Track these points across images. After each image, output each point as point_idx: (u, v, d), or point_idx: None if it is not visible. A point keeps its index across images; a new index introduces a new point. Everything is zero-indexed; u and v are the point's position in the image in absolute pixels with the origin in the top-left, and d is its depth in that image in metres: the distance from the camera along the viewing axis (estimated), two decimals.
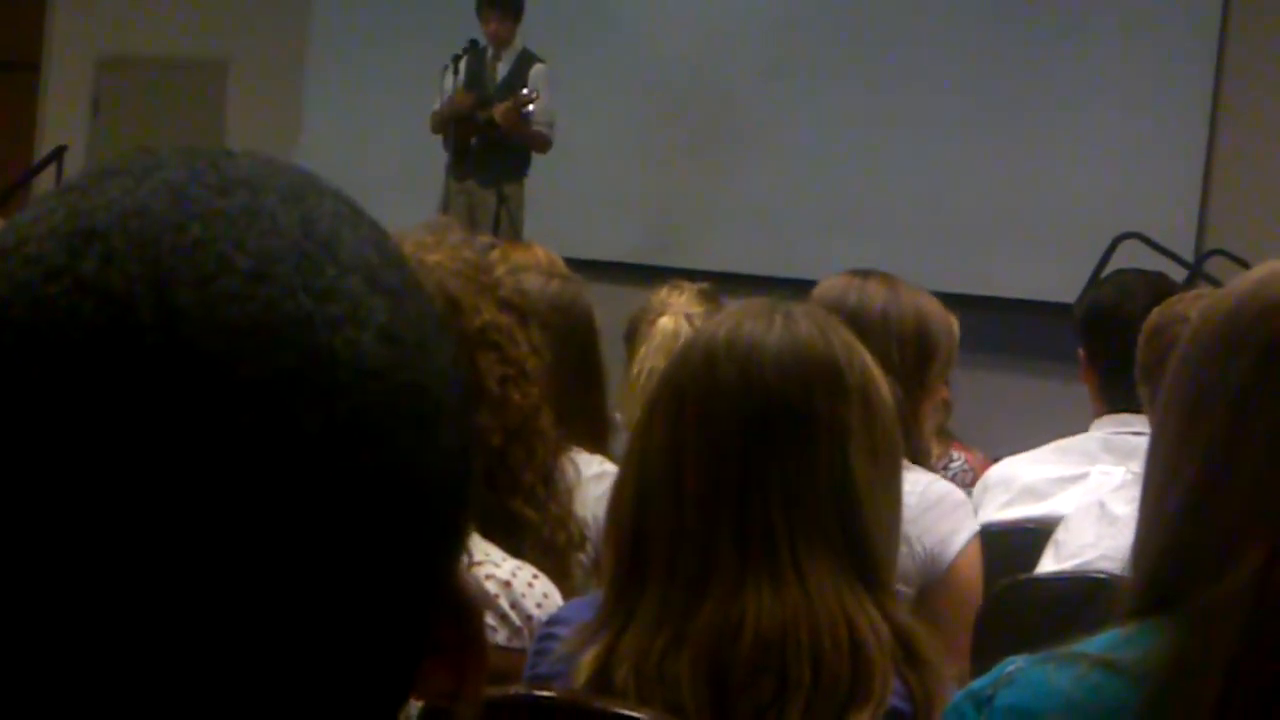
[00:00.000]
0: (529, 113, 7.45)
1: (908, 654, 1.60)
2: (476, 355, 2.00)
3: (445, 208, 7.44)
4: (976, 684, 1.26)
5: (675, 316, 3.04)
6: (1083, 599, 2.29)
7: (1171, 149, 7.37)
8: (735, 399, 1.64)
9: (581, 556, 2.21)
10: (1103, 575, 2.35)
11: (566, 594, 1.98)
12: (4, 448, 0.52)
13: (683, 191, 8.36)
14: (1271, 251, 1.56)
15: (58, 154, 8.64)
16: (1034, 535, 2.75)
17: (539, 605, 1.91)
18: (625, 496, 1.70)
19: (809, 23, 8.13)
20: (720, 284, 3.45)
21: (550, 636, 1.73)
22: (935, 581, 2.43)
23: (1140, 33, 7.41)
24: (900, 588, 2.32)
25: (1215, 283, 5.69)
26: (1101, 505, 2.57)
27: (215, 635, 0.53)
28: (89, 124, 10.03)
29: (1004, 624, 2.44)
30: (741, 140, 8.22)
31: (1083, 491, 2.84)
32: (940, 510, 2.47)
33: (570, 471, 2.25)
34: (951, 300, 2.85)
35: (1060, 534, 2.62)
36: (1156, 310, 2.69)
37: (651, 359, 2.95)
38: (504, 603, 1.90)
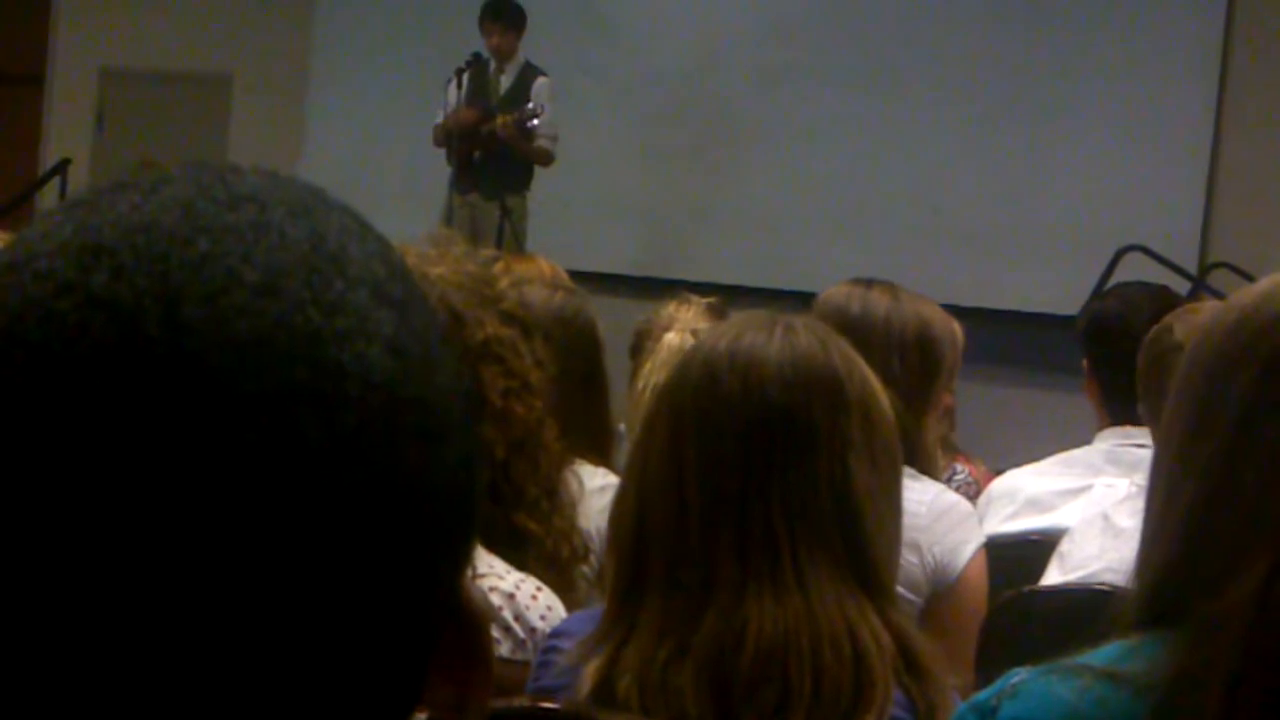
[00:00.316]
0: (533, 127, 7.46)
1: (909, 664, 1.61)
2: (480, 368, 2.00)
3: (448, 221, 7.44)
4: (980, 695, 1.26)
5: (681, 332, 3.04)
6: (1087, 611, 2.28)
7: (1175, 161, 7.37)
8: (736, 411, 1.65)
9: (585, 569, 2.21)
10: (1107, 587, 2.35)
11: (570, 606, 1.98)
12: (14, 461, 0.52)
13: (685, 202, 8.36)
14: (1276, 264, 1.56)
15: (62, 167, 8.65)
16: (1038, 547, 2.75)
17: (543, 618, 1.91)
18: (627, 508, 1.70)
19: (809, 31, 8.13)
20: (723, 295, 3.45)
21: (554, 649, 1.73)
22: (944, 591, 2.43)
23: (1144, 44, 7.41)
24: (909, 596, 2.32)
25: (1219, 295, 5.68)
26: (1106, 517, 2.57)
27: (221, 647, 0.53)
28: (93, 137, 10.04)
29: (1008, 636, 2.44)
30: (742, 150, 8.23)
31: (1087, 504, 2.84)
32: (950, 520, 2.47)
33: (574, 484, 2.25)
34: (954, 312, 2.85)
35: (1065, 546, 2.62)
36: (1154, 326, 2.69)
37: (656, 374, 2.95)
38: (508, 615, 1.90)
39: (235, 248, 0.55)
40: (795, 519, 1.62)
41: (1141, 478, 1.34)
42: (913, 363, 2.58)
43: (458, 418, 0.59)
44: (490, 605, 1.88)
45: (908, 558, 2.32)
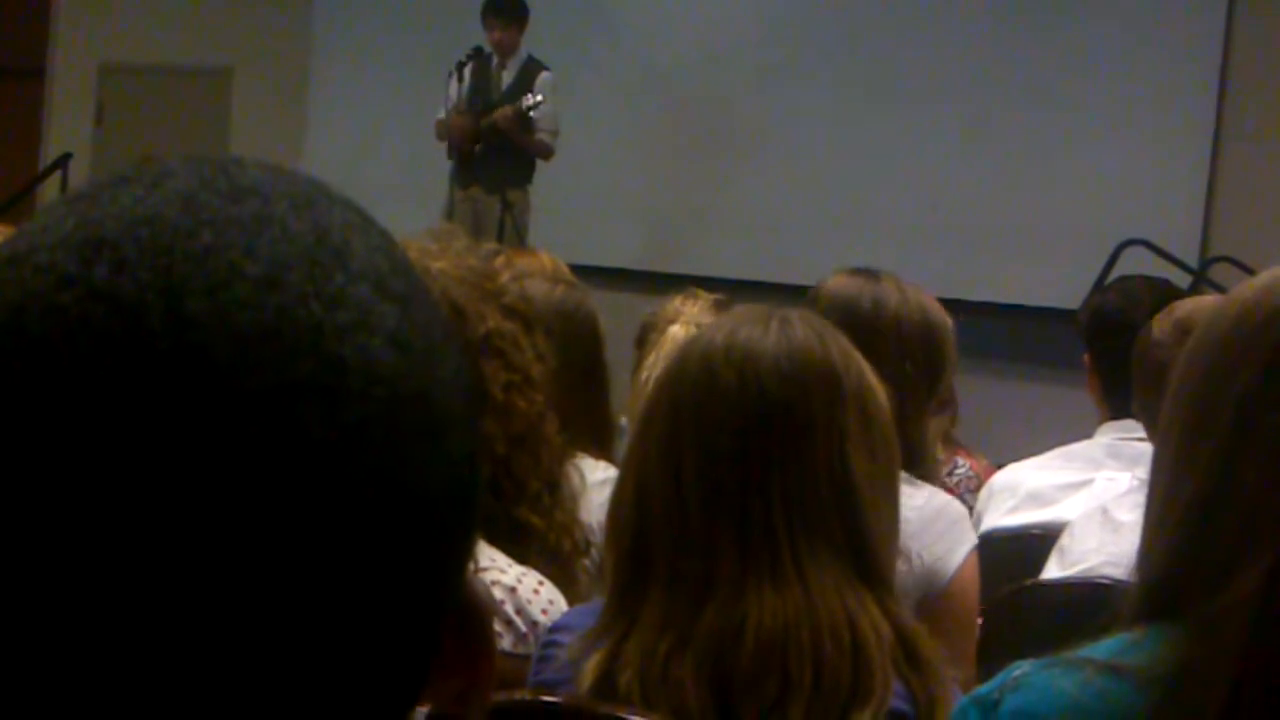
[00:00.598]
0: (533, 118, 7.46)
1: (909, 655, 1.61)
2: (481, 362, 2.00)
3: (449, 215, 7.44)
4: (982, 689, 1.27)
5: (686, 325, 3.04)
6: (1088, 605, 2.28)
7: (1176, 155, 7.37)
8: (733, 404, 1.65)
9: (586, 562, 2.21)
10: (1107, 581, 2.35)
11: (572, 600, 1.98)
12: (16, 454, 0.52)
13: (687, 197, 8.36)
14: (1276, 257, 1.56)
15: (63, 161, 8.65)
16: (1039, 541, 2.75)
17: (544, 611, 1.91)
18: (625, 502, 1.70)
19: (810, 27, 8.13)
20: (725, 289, 3.45)
21: (555, 643, 1.73)
22: (936, 595, 2.42)
23: (1145, 37, 7.40)
24: None
25: (1220, 289, 5.69)
26: (1104, 511, 2.57)
27: (222, 642, 0.53)
28: (93, 132, 10.04)
29: (1009, 629, 2.44)
30: (744, 146, 8.23)
31: (1088, 497, 2.84)
32: (941, 524, 2.45)
33: (575, 478, 2.24)
34: (956, 306, 2.84)
35: (1064, 540, 2.62)
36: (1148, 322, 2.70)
37: (659, 365, 2.95)
38: (509, 609, 1.90)
39: (237, 241, 0.55)
40: (794, 511, 1.62)
41: (1143, 471, 1.34)
42: (920, 358, 2.57)
43: (460, 412, 0.59)
44: (492, 599, 1.87)
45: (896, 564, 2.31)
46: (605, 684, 1.62)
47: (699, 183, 8.33)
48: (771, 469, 1.63)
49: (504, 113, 7.45)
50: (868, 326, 2.41)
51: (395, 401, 0.56)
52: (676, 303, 3.20)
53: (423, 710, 0.62)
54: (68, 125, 10.08)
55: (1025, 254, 7.56)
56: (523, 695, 1.65)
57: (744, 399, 1.65)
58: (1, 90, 10.39)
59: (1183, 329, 2.47)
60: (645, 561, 1.66)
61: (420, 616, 0.58)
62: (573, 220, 7.99)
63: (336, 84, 9.37)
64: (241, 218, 0.56)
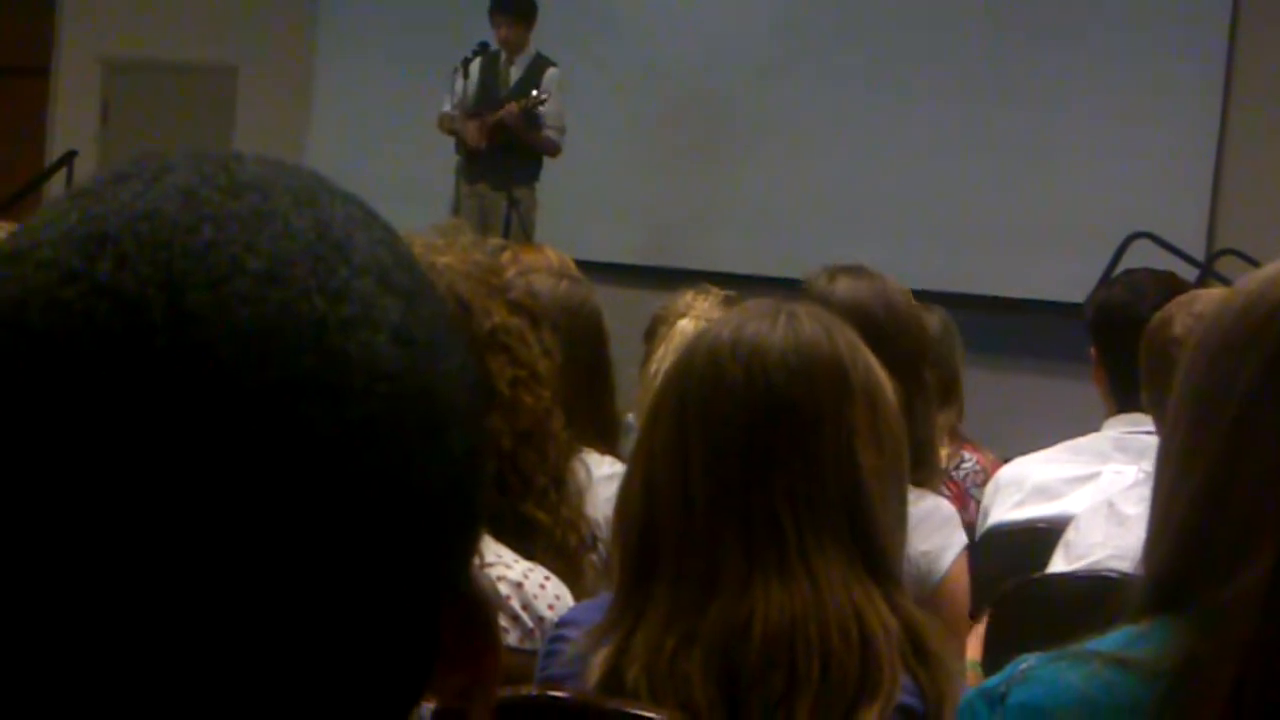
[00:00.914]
0: (540, 116, 7.45)
1: (916, 649, 1.61)
2: (487, 358, 2.00)
3: (456, 211, 7.43)
4: (989, 682, 1.27)
5: (696, 320, 3.04)
6: (1093, 598, 2.28)
7: (1182, 148, 7.36)
8: (741, 399, 1.65)
9: (593, 558, 2.21)
10: (1113, 574, 2.35)
11: (578, 595, 1.98)
12: (19, 449, 0.52)
13: (690, 193, 8.36)
14: None
15: (68, 158, 8.66)
16: (1045, 535, 2.75)
17: (551, 607, 1.91)
18: (632, 497, 1.70)
19: (813, 23, 8.12)
20: (728, 284, 3.45)
21: (561, 638, 1.73)
22: (926, 596, 2.41)
23: (1151, 31, 7.40)
24: None
25: (1226, 282, 5.68)
26: (1110, 505, 2.57)
27: (224, 638, 0.53)
28: (99, 129, 10.05)
29: (1016, 623, 2.44)
30: (747, 142, 8.23)
31: (1095, 491, 2.83)
32: (930, 525, 2.44)
33: (581, 473, 2.25)
34: (961, 300, 2.85)
35: (1070, 534, 2.62)
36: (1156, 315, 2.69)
37: (668, 359, 2.95)
38: (516, 604, 1.90)
39: (239, 235, 0.55)
40: (801, 506, 1.62)
41: (1149, 464, 1.33)
42: (911, 351, 2.57)
43: (465, 407, 0.59)
44: (498, 594, 1.88)
45: None
46: (612, 679, 1.62)
47: (702, 179, 8.33)
48: (778, 463, 1.63)
49: (510, 109, 7.44)
50: (882, 336, 2.41)
51: (399, 397, 0.55)
52: (687, 297, 3.20)
53: (429, 705, 0.62)
54: (73, 122, 10.08)
55: (1031, 248, 7.56)
56: (529, 690, 1.65)
57: (751, 394, 1.65)
58: (7, 87, 10.40)
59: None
60: (652, 556, 1.66)
61: (424, 611, 0.58)
62: (576, 216, 7.99)
63: (341, 81, 9.37)
64: (242, 213, 0.56)
